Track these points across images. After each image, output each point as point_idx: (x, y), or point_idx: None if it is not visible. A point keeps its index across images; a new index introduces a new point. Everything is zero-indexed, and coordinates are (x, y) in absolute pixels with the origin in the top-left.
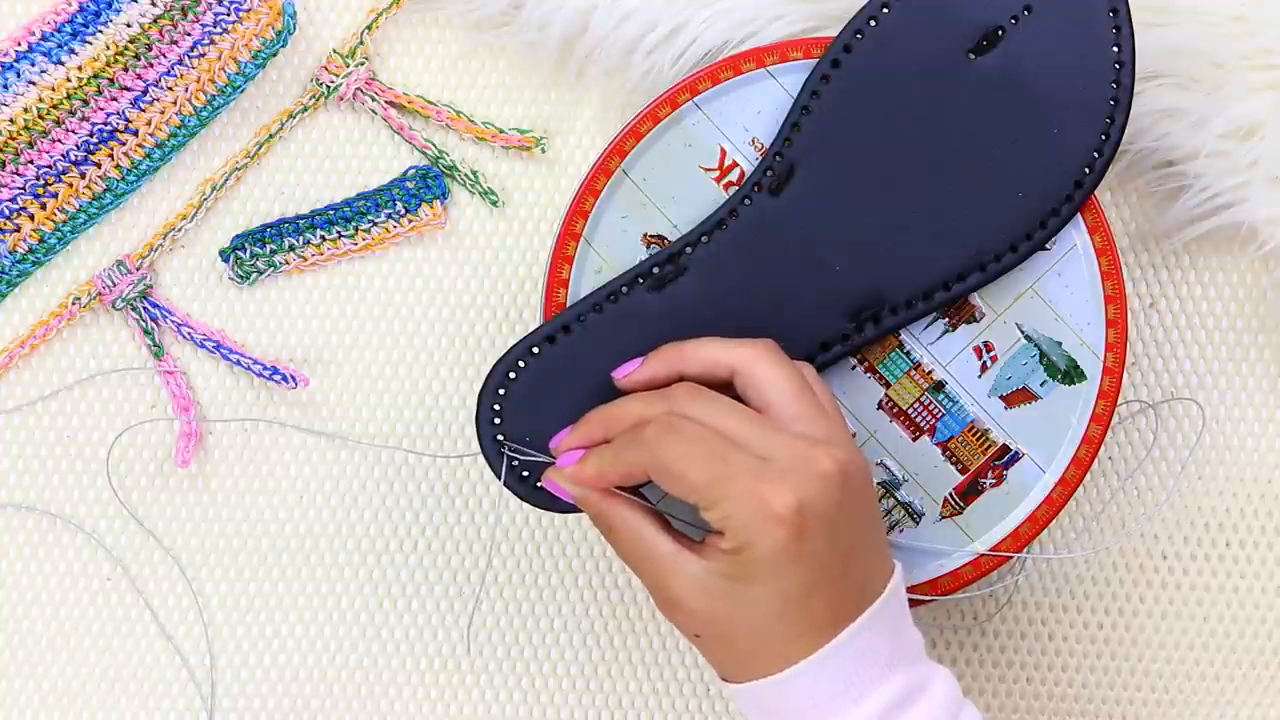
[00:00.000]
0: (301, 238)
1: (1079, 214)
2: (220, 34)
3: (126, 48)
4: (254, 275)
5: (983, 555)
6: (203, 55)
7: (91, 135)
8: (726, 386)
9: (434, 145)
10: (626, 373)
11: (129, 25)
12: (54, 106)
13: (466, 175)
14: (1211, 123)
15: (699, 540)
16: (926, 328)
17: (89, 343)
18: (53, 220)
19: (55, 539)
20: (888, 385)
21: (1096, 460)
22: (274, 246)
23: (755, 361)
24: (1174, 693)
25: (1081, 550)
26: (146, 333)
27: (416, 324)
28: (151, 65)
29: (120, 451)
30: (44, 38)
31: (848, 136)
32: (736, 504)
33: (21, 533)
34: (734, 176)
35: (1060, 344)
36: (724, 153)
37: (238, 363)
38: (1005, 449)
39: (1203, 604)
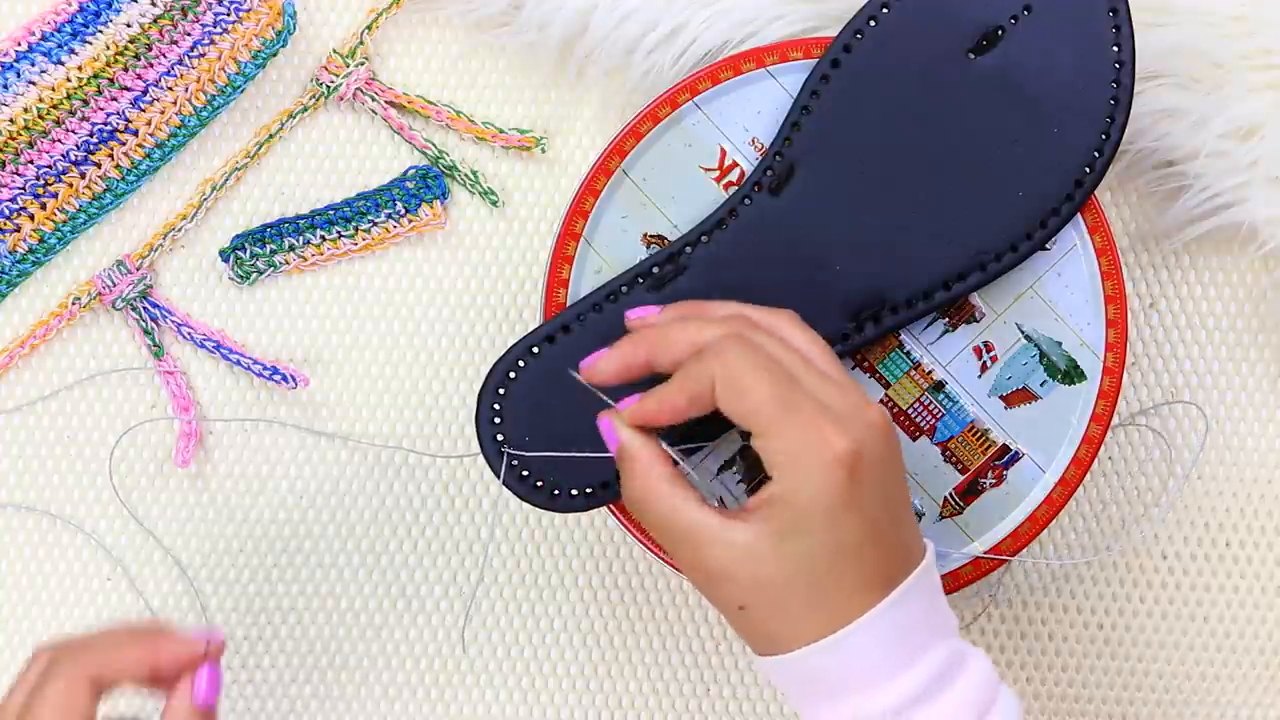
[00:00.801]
0: (301, 238)
1: (1079, 214)
2: (220, 34)
3: (126, 48)
4: (254, 275)
5: (979, 557)
6: (203, 55)
7: (91, 135)
8: None
9: (434, 145)
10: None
11: (129, 25)
12: (54, 106)
13: (466, 175)
14: (1211, 123)
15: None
16: (926, 328)
17: (89, 343)
18: (53, 220)
19: (55, 539)
20: (888, 385)
21: (1096, 460)
22: (274, 246)
23: (786, 324)
24: (1174, 693)
25: (1080, 556)
26: (146, 333)
27: (416, 324)
28: (151, 65)
29: (120, 451)
30: (44, 38)
31: (848, 136)
32: (799, 438)
33: (21, 533)
34: (734, 176)
35: (1060, 344)
36: (724, 153)
37: (238, 363)
38: (1005, 449)
39: (1203, 604)
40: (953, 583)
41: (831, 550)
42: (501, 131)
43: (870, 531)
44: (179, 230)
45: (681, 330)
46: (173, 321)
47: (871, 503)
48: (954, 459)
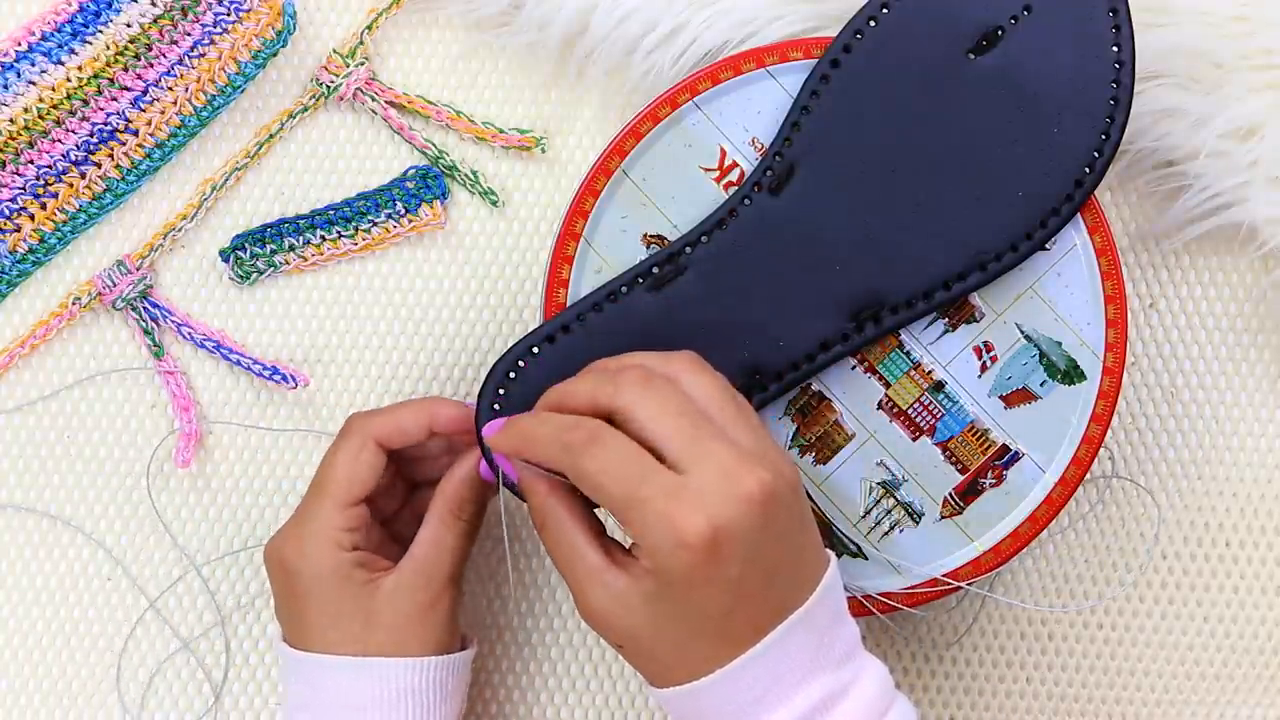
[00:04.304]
0: (301, 238)
1: (1079, 214)
2: (220, 34)
3: (126, 48)
4: (254, 275)
5: (980, 558)
6: (203, 55)
7: (91, 135)
8: None
9: (434, 145)
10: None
11: (129, 25)
12: (54, 106)
13: (466, 175)
14: (1211, 123)
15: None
16: (926, 328)
17: (89, 343)
18: (53, 220)
19: (55, 539)
20: (888, 385)
21: (1096, 460)
22: (274, 246)
23: (684, 371)
24: (1174, 693)
25: (1067, 599)
26: (146, 333)
27: (416, 324)
28: (151, 65)
29: (121, 452)
30: (44, 38)
31: (847, 136)
32: (649, 526)
33: (21, 533)
34: (734, 176)
35: (1060, 344)
36: (724, 153)
37: (238, 363)
38: (1005, 449)
39: (1202, 604)
40: (952, 583)
41: (695, 617)
42: (501, 131)
43: (736, 598)
44: (179, 230)
45: (579, 386)
46: (173, 321)
47: (736, 572)
48: (954, 459)
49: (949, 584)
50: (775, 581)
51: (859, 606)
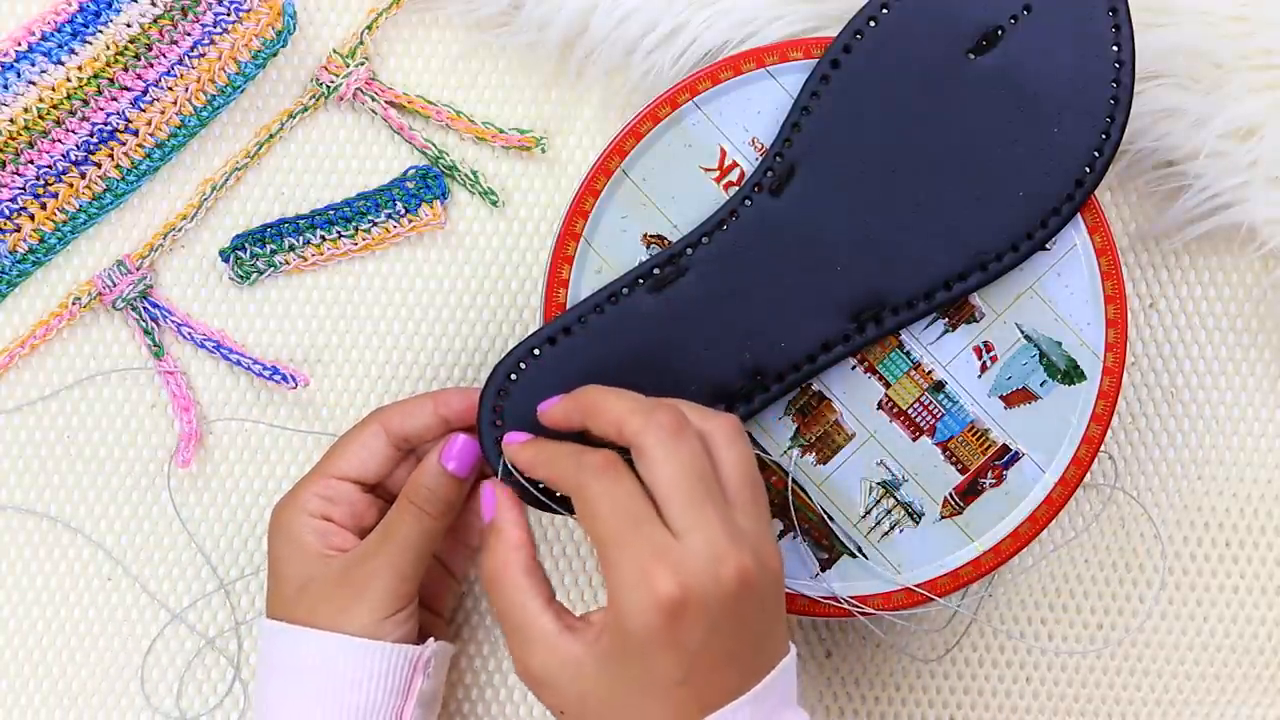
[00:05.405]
0: (301, 238)
1: (1079, 214)
2: (220, 34)
3: (126, 48)
4: (254, 275)
5: (983, 555)
6: (203, 55)
7: (91, 135)
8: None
9: (434, 145)
10: (547, 407)
11: (129, 25)
12: (54, 106)
13: (466, 175)
14: (1211, 123)
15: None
16: (926, 328)
17: (89, 343)
18: (53, 220)
19: (55, 539)
20: (888, 385)
21: (1096, 460)
22: (274, 246)
23: (720, 432)
24: (1174, 693)
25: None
26: (146, 333)
27: (416, 324)
28: (151, 65)
29: (121, 452)
30: (44, 38)
31: (848, 136)
32: (624, 575)
33: (22, 533)
34: (734, 176)
35: (1060, 344)
36: (724, 153)
37: (238, 363)
38: (1005, 449)
39: (1202, 604)
40: (952, 582)
41: (646, 681)
42: (501, 131)
43: (688, 668)
44: (179, 230)
45: (616, 402)
46: (173, 321)
47: (695, 642)
48: (954, 459)
49: (936, 595)
50: (733, 662)
51: (850, 615)
